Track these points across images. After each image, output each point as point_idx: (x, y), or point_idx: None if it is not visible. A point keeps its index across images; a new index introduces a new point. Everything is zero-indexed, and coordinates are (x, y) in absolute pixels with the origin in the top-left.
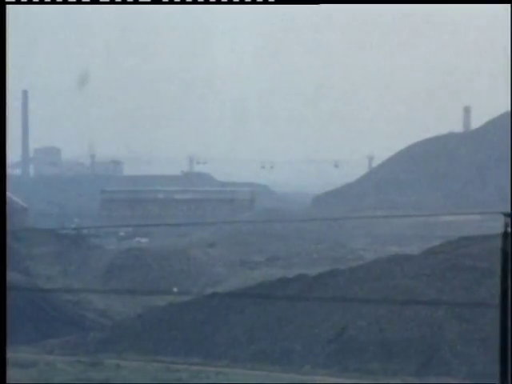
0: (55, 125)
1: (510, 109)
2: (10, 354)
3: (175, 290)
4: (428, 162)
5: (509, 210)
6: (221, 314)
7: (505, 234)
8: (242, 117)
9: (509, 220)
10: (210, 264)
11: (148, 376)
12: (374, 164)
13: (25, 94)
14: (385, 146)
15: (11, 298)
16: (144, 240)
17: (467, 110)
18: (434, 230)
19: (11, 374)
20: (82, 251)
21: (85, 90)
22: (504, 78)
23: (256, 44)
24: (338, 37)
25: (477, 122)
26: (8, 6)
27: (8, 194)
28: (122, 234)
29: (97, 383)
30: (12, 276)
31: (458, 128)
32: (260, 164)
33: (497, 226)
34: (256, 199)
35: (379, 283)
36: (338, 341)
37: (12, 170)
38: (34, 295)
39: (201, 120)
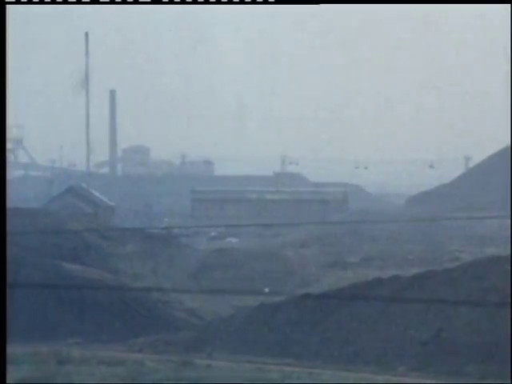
0: (144, 124)
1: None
2: (98, 352)
3: (267, 290)
4: None
5: None
6: (313, 315)
7: None
8: (334, 117)
9: None
10: (302, 264)
11: (239, 376)
12: (471, 164)
13: (112, 93)
14: (483, 146)
15: (99, 296)
16: (235, 240)
17: None
18: None
19: (99, 371)
20: (172, 250)
21: (170, 90)
22: None
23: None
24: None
25: None
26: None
27: (95, 192)
28: (212, 233)
29: (187, 383)
30: (99, 274)
31: None
32: (354, 164)
33: None
34: (349, 200)
35: (475, 285)
36: (433, 343)
37: (99, 169)
38: (122, 294)
39: (292, 120)
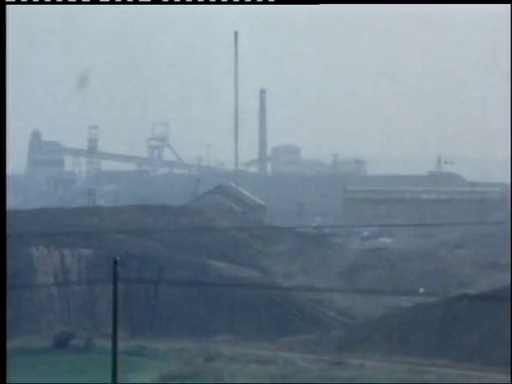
0: (295, 123)
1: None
2: (248, 351)
3: (421, 290)
4: None
5: None
6: (470, 316)
7: None
8: (490, 115)
9: None
10: (458, 265)
11: (392, 377)
12: None
13: (262, 92)
14: None
15: (248, 295)
16: (389, 240)
17: None
18: None
19: (248, 369)
20: (323, 250)
21: (321, 88)
22: None
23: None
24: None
25: None
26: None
27: (244, 191)
28: (365, 233)
29: (340, 382)
30: (248, 273)
31: None
32: None
33: None
34: (507, 200)
35: None
36: None
37: (248, 168)
38: (272, 293)
39: (445, 120)
